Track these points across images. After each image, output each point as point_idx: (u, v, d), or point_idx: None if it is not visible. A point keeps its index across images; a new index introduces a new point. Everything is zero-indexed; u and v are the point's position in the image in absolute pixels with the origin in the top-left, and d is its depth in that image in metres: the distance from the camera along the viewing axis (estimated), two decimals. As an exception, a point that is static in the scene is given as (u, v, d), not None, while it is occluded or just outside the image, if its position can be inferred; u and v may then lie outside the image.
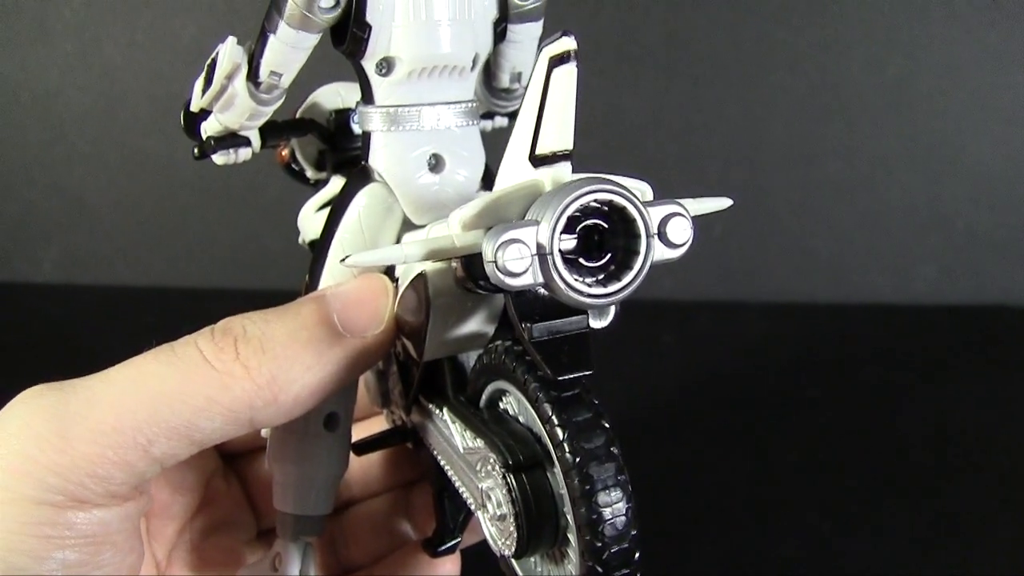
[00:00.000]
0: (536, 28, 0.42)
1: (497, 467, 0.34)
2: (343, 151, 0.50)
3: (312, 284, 0.42)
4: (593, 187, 0.28)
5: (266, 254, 1.13)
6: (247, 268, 1.12)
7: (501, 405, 0.38)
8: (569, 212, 0.28)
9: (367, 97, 0.41)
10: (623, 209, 0.29)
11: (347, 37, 0.40)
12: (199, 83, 0.43)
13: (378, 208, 0.42)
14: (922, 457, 0.80)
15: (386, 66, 0.40)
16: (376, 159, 0.41)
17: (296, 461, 0.43)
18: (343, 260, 0.33)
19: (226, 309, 0.52)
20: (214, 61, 0.42)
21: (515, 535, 0.34)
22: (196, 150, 0.47)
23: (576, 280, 0.29)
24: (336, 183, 0.49)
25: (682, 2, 1.07)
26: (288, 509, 0.44)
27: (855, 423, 0.86)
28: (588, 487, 0.31)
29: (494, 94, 0.46)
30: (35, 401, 0.34)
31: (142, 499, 0.36)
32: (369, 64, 0.41)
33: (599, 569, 0.31)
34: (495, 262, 0.29)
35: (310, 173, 0.52)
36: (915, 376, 0.97)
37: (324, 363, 0.36)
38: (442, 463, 0.41)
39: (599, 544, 0.31)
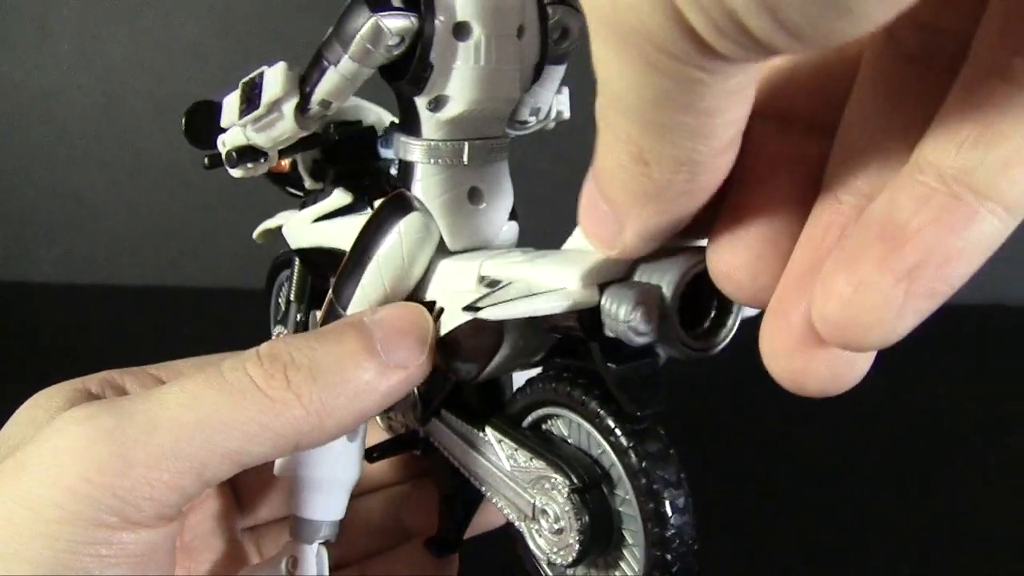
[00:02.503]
0: (563, 69, 0.44)
1: (562, 487, 0.38)
2: (343, 164, 0.50)
3: (340, 302, 0.43)
4: (701, 259, 0.31)
5: (268, 254, 1.13)
6: (249, 268, 1.12)
7: (544, 427, 0.42)
8: (688, 279, 0.32)
9: (412, 129, 0.43)
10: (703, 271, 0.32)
11: (407, 74, 0.41)
12: (234, 101, 0.43)
13: (420, 235, 0.43)
14: (918, 456, 0.80)
15: (437, 104, 0.42)
16: (419, 189, 0.43)
17: (318, 467, 0.44)
18: (474, 309, 0.35)
19: (228, 309, 0.53)
20: (255, 83, 0.42)
21: (576, 548, 0.38)
22: (208, 160, 0.47)
23: (686, 337, 0.33)
24: (339, 197, 0.49)
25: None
26: (307, 514, 0.45)
27: (852, 421, 0.86)
28: (663, 512, 0.36)
29: (508, 123, 0.46)
30: (91, 422, 0.34)
31: (181, 518, 0.37)
32: (422, 100, 0.42)
33: None
34: (627, 322, 0.33)
35: (308, 183, 0.52)
36: (912, 374, 0.97)
37: (369, 391, 0.37)
38: (468, 475, 0.44)
39: (669, 558, 0.36)
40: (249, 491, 0.51)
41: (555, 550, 0.39)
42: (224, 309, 0.93)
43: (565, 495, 0.38)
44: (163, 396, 0.36)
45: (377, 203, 0.45)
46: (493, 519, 0.49)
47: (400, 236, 0.43)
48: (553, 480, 0.39)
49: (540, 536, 0.40)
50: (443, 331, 0.41)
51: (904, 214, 0.24)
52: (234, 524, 0.50)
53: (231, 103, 0.43)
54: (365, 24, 0.40)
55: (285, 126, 0.43)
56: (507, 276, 0.39)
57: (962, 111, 0.23)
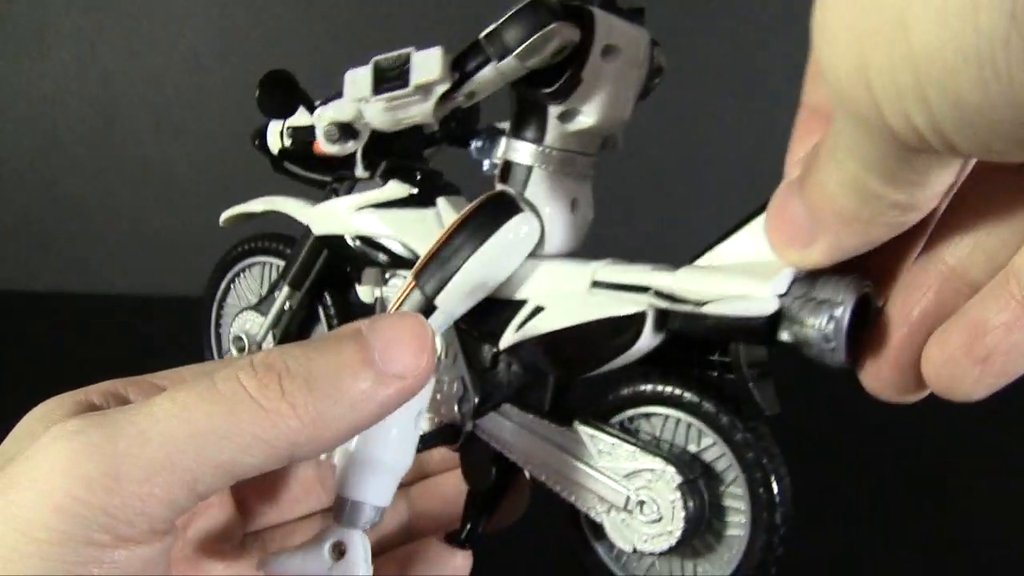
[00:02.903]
0: None
1: (671, 479, 0.43)
2: (396, 156, 0.51)
3: (426, 290, 0.45)
4: (868, 283, 0.38)
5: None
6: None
7: (631, 425, 0.47)
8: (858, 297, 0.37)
9: (532, 135, 0.45)
10: (867, 294, 0.38)
11: (554, 84, 0.43)
12: (365, 77, 0.44)
13: (525, 235, 0.46)
14: (923, 456, 0.80)
15: (569, 116, 0.45)
16: (534, 193, 0.46)
17: (376, 448, 0.44)
18: (699, 304, 0.41)
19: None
20: (402, 62, 0.43)
21: (677, 535, 0.44)
22: (287, 135, 0.50)
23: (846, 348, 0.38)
24: (395, 188, 0.50)
25: (683, 9, 1.07)
26: (358, 496, 0.44)
27: (855, 420, 0.86)
28: (776, 502, 0.44)
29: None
30: (79, 438, 0.34)
31: (176, 531, 0.36)
32: (556, 110, 0.44)
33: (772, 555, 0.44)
34: (822, 331, 0.38)
35: (360, 171, 0.52)
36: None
37: (366, 401, 0.37)
38: (531, 469, 0.48)
39: (774, 542, 0.44)
40: (251, 495, 0.51)
41: (646, 539, 0.44)
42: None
43: (674, 487, 0.43)
44: (154, 408, 0.35)
45: (443, 200, 0.48)
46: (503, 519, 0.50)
47: (506, 233, 0.45)
48: (658, 472, 0.44)
49: (627, 527, 0.45)
50: (545, 329, 0.45)
51: (989, 314, 0.32)
52: (236, 530, 0.50)
53: (360, 78, 0.44)
54: (544, 29, 0.42)
55: (422, 109, 0.43)
56: (668, 286, 0.42)
57: None
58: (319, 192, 0.54)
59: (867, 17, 0.26)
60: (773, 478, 0.43)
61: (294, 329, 0.57)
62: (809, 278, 0.38)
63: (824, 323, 0.38)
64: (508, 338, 0.47)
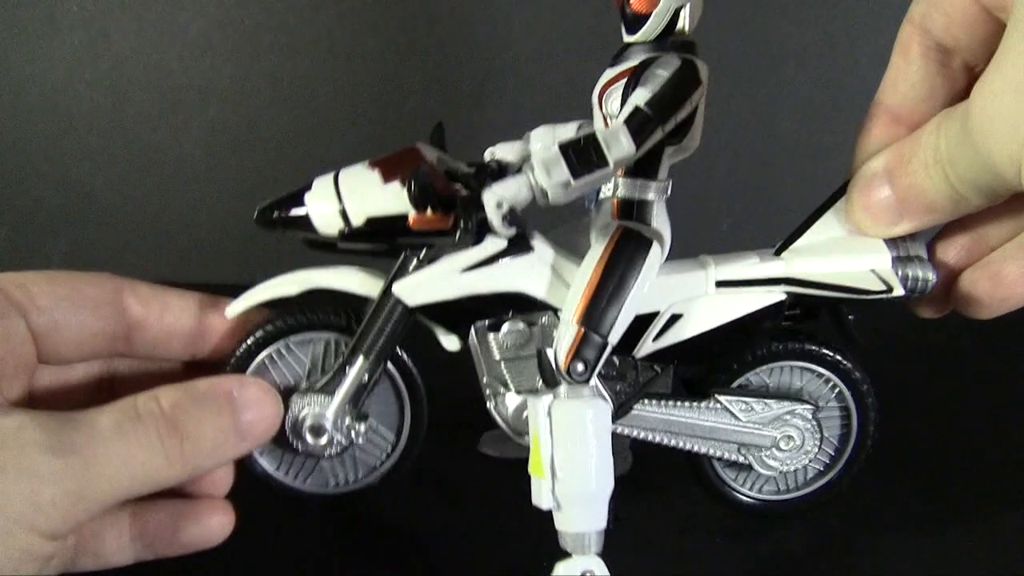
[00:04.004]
0: None
1: (807, 412, 0.59)
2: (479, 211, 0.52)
3: (601, 330, 0.50)
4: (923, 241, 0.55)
5: (277, 249, 1.13)
6: (257, 263, 1.12)
7: (751, 382, 0.60)
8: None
9: (651, 173, 0.53)
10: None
11: (687, 129, 0.52)
12: (556, 162, 0.47)
13: (660, 261, 0.53)
14: (926, 453, 0.80)
15: (679, 152, 0.54)
16: (658, 222, 0.53)
17: (589, 482, 0.50)
18: (891, 290, 0.55)
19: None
20: (589, 144, 0.47)
21: (813, 452, 0.60)
22: (468, 225, 0.51)
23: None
24: (493, 243, 0.52)
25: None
26: (585, 528, 0.50)
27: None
28: (873, 424, 0.61)
29: None
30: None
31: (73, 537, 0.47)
32: (671, 148, 0.53)
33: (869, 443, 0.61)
34: (930, 279, 0.54)
35: (460, 236, 0.51)
36: (920, 371, 0.97)
37: (229, 457, 0.49)
38: (679, 443, 0.59)
39: (872, 431, 0.61)
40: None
41: (789, 462, 0.60)
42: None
43: (810, 417, 0.59)
44: (96, 434, 0.42)
45: (536, 242, 0.53)
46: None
47: (651, 264, 0.51)
48: (796, 411, 0.58)
49: (772, 458, 0.60)
50: (690, 334, 0.54)
51: (1007, 267, 0.52)
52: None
53: (553, 163, 0.47)
54: (699, 88, 0.51)
55: (604, 180, 0.50)
56: (801, 274, 0.54)
57: None
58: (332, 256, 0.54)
59: None
60: (869, 390, 0.59)
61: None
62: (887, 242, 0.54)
63: (931, 272, 0.54)
64: (647, 348, 0.55)
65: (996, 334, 0.71)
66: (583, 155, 0.47)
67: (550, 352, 0.50)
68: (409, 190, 0.48)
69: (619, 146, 0.47)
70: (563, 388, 0.51)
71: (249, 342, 0.56)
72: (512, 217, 0.48)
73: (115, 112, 1.09)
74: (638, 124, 0.47)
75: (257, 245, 1.14)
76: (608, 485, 0.50)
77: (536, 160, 0.47)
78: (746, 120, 1.10)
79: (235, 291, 0.54)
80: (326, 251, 0.53)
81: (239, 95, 1.09)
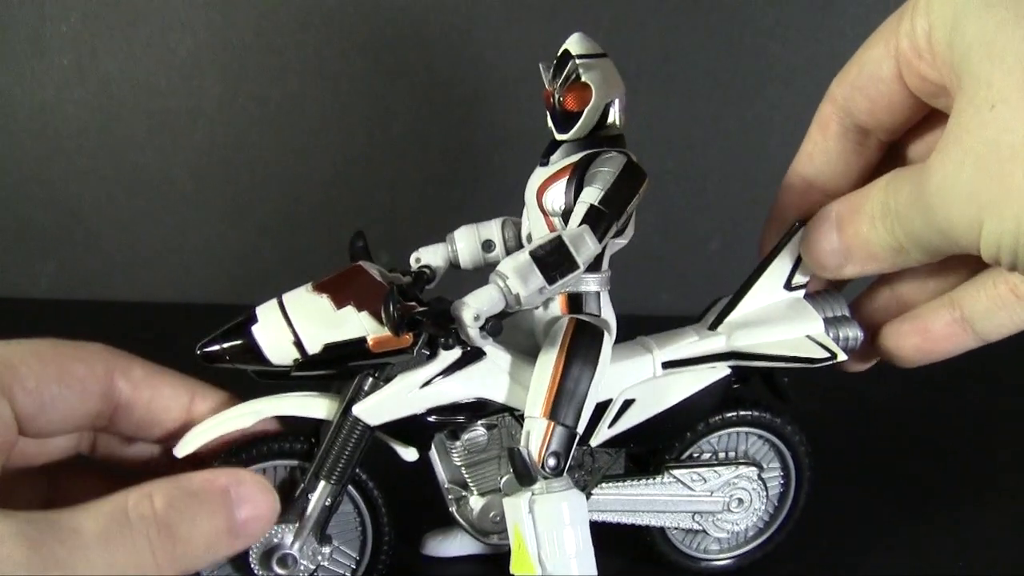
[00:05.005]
0: None
1: (753, 474, 0.61)
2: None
3: (572, 424, 0.51)
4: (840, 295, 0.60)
5: (264, 269, 1.13)
6: (245, 283, 1.12)
7: (699, 452, 0.61)
8: None
9: (593, 266, 0.52)
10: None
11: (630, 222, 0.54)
12: (528, 271, 0.49)
13: (610, 347, 0.54)
14: (927, 461, 0.80)
15: (619, 244, 0.55)
16: (605, 312, 0.55)
17: (592, 564, 0.53)
18: (823, 359, 0.58)
19: (224, 324, 0.52)
20: (557, 248, 0.49)
21: (766, 506, 0.63)
22: (447, 341, 0.51)
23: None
24: (449, 354, 0.53)
25: (679, 17, 1.07)
26: None
27: (859, 428, 0.86)
28: (807, 478, 0.63)
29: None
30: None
31: None
32: (615, 241, 0.54)
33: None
34: (857, 340, 0.58)
35: (419, 350, 0.52)
36: (920, 380, 0.97)
37: (222, 556, 0.48)
38: (636, 521, 0.61)
39: (807, 487, 0.63)
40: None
41: (740, 522, 0.62)
42: (221, 325, 0.93)
43: (756, 478, 0.61)
44: (80, 543, 0.40)
45: (488, 348, 0.54)
46: None
47: (605, 352, 0.52)
48: (743, 475, 0.61)
49: (724, 520, 0.62)
50: (644, 417, 0.56)
51: (933, 323, 0.56)
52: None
53: (523, 273, 0.48)
54: (645, 181, 0.52)
55: (573, 280, 0.50)
56: (744, 348, 0.56)
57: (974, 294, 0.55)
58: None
59: (989, 199, 0.41)
60: (805, 448, 0.62)
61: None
62: (809, 298, 0.58)
63: (859, 330, 0.57)
64: (603, 435, 0.56)
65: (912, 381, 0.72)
66: (555, 260, 0.48)
67: (523, 450, 0.50)
68: (388, 317, 0.47)
69: (586, 247, 0.49)
70: (539, 484, 0.52)
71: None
72: (493, 327, 0.48)
73: (103, 133, 1.09)
74: (597, 223, 0.49)
75: (244, 265, 1.14)
76: (592, 570, 0.52)
77: (508, 270, 0.48)
78: (735, 140, 1.10)
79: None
80: (275, 380, 0.52)
81: (227, 116, 1.09)
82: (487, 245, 0.58)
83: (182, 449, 0.52)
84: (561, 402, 0.50)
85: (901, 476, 0.78)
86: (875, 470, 0.79)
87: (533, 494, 0.51)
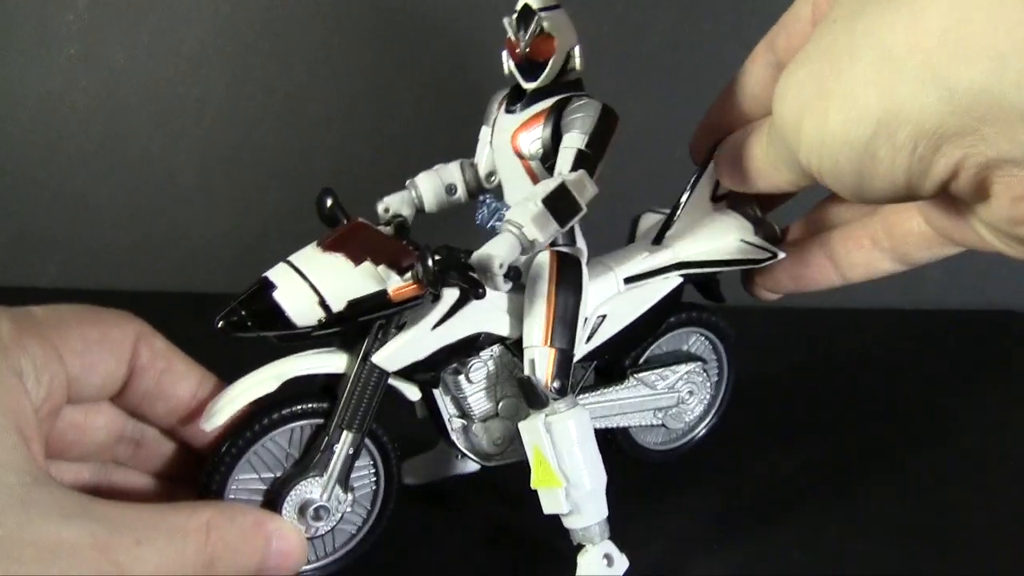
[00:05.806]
0: None
1: (699, 368, 0.70)
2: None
3: (568, 348, 0.56)
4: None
5: (272, 258, 1.13)
6: (252, 272, 1.12)
7: (654, 356, 0.69)
8: None
9: None
10: None
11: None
12: (541, 216, 0.52)
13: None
14: (928, 461, 0.80)
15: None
16: (580, 242, 0.61)
17: (583, 482, 0.57)
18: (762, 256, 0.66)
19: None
20: (563, 194, 0.53)
21: (710, 392, 0.72)
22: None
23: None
24: (451, 294, 0.56)
25: (687, 7, 1.07)
26: (590, 521, 0.58)
27: (860, 427, 0.86)
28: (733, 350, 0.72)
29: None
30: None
31: None
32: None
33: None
34: (780, 233, 0.68)
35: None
36: (921, 380, 0.97)
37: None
38: (608, 422, 0.67)
39: (733, 376, 0.73)
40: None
41: (692, 412, 0.71)
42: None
43: (702, 371, 0.70)
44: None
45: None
46: None
47: (586, 280, 0.59)
48: (692, 370, 0.69)
49: (680, 412, 0.70)
50: (617, 329, 0.62)
51: (846, 254, 0.63)
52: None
53: (540, 219, 0.52)
54: (618, 123, 0.56)
55: (577, 220, 0.54)
56: (692, 258, 0.64)
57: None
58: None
59: (808, 98, 0.44)
60: (731, 339, 0.71)
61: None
62: (731, 206, 0.66)
63: (775, 227, 0.67)
64: (582, 351, 0.61)
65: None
66: (563, 206, 0.52)
67: (532, 377, 0.55)
68: (427, 273, 0.51)
69: (587, 191, 0.53)
70: (551, 405, 0.57)
71: (236, 445, 0.54)
72: (514, 272, 0.52)
73: (110, 122, 1.09)
74: (588, 165, 0.54)
75: (251, 257, 1.14)
76: (603, 477, 0.58)
77: (522, 218, 0.52)
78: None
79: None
80: (293, 343, 0.52)
81: (233, 107, 1.09)
82: (450, 189, 0.64)
83: (212, 422, 0.52)
84: (557, 330, 0.56)
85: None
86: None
87: (546, 416, 0.57)
